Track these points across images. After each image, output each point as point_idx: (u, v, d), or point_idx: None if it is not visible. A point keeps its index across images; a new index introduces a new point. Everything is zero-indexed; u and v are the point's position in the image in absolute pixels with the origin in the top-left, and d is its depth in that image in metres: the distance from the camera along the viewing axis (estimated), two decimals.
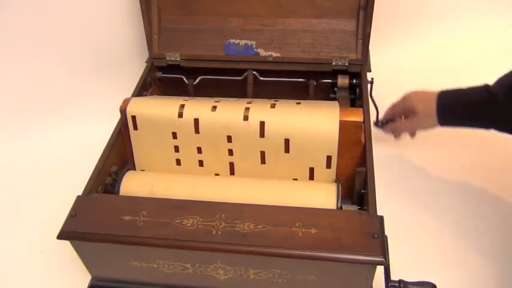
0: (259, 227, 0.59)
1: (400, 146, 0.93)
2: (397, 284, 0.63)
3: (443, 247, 0.78)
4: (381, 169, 0.75)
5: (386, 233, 0.59)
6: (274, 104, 0.74)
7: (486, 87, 0.73)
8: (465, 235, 0.79)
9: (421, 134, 0.87)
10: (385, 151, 0.92)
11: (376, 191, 0.64)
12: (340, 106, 0.73)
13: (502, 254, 0.76)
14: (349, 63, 0.87)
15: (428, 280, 0.63)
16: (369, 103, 0.80)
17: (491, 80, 0.74)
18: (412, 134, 0.87)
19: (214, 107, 0.73)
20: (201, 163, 0.77)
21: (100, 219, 0.62)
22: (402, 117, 0.86)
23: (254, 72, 0.90)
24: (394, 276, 0.72)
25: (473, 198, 0.85)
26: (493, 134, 0.74)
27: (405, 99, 0.83)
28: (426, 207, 0.84)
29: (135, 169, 0.80)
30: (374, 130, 0.83)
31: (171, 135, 0.75)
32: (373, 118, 0.87)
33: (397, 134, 0.88)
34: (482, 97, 0.73)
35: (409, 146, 0.92)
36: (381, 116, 0.90)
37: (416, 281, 0.63)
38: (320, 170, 0.74)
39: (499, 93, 0.71)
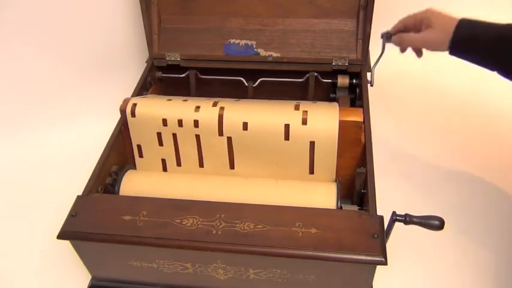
0: (259, 227, 0.59)
1: (400, 146, 0.93)
2: (403, 218, 0.60)
3: (443, 247, 0.78)
4: (381, 169, 0.75)
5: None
6: (274, 105, 0.74)
7: (509, 25, 0.69)
8: (466, 235, 0.79)
9: (421, 135, 0.86)
10: (385, 151, 0.92)
11: (376, 191, 0.64)
12: (340, 106, 0.73)
13: (506, 252, 0.76)
14: (349, 63, 0.87)
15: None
16: (369, 103, 0.80)
17: (492, 79, 0.74)
18: (419, 52, 0.82)
19: (215, 108, 0.73)
20: (201, 164, 0.77)
21: (100, 219, 0.62)
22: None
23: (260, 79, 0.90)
24: (395, 277, 0.73)
25: (475, 198, 0.85)
26: (494, 135, 0.73)
27: (426, 11, 0.76)
28: (426, 207, 0.84)
29: (135, 169, 0.80)
30: (378, 134, 0.79)
31: (171, 135, 0.75)
32: (375, 121, 0.83)
33: (403, 46, 0.81)
34: (501, 34, 0.68)
35: (409, 145, 0.92)
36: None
37: (423, 215, 0.60)
38: (320, 170, 0.74)
39: None
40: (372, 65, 0.86)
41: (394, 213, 0.60)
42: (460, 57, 0.74)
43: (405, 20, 0.79)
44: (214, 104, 0.74)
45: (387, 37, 0.81)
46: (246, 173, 0.76)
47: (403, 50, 0.82)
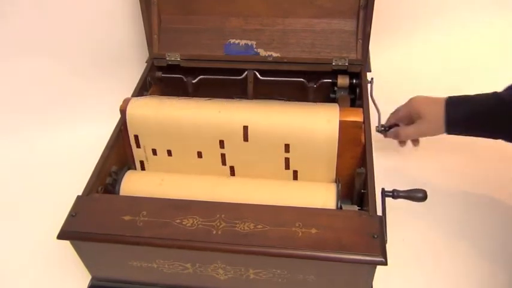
0: (259, 227, 0.59)
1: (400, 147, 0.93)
2: (391, 193, 0.67)
3: (443, 247, 0.78)
4: (381, 169, 0.75)
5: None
6: (274, 105, 0.74)
7: (497, 95, 0.70)
8: (466, 235, 0.79)
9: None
10: (385, 151, 0.92)
11: (376, 191, 0.64)
12: (340, 106, 0.73)
13: (502, 256, 0.76)
14: (349, 63, 0.87)
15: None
16: (369, 103, 0.80)
17: (491, 79, 0.74)
18: (416, 142, 0.85)
19: (215, 108, 0.73)
20: (200, 164, 0.77)
21: (100, 219, 0.62)
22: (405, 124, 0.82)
23: (255, 72, 0.90)
24: (395, 277, 0.73)
25: (474, 199, 0.85)
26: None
27: (411, 103, 0.80)
28: (426, 206, 0.84)
29: (135, 169, 0.80)
30: (376, 136, 0.80)
31: (171, 136, 0.75)
32: (374, 121, 0.84)
33: (401, 140, 0.84)
34: (494, 106, 0.70)
35: (409, 145, 0.92)
36: (383, 121, 0.87)
37: (408, 189, 0.68)
38: (320, 170, 0.74)
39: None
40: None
41: (382, 189, 0.67)
42: (459, 134, 0.76)
43: (396, 115, 0.83)
44: (214, 105, 0.74)
45: (384, 130, 0.86)
46: (245, 174, 0.76)
47: (401, 144, 0.86)
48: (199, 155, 0.76)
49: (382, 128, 0.86)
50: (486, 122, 0.72)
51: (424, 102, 0.77)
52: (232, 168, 0.77)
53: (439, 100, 0.75)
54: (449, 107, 0.74)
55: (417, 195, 0.67)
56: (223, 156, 0.75)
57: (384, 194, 0.66)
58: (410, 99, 0.80)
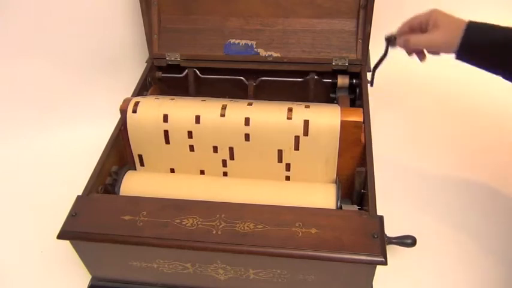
0: (259, 227, 0.59)
1: (400, 146, 0.93)
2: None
3: (443, 247, 0.78)
4: (381, 169, 0.75)
5: (386, 233, 0.60)
6: (275, 105, 0.74)
7: None
8: (466, 235, 0.79)
9: (421, 135, 0.86)
10: (385, 151, 0.92)
11: (376, 191, 0.64)
12: (340, 106, 0.73)
13: (504, 253, 0.76)
14: (349, 63, 0.87)
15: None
16: (369, 103, 0.80)
17: (492, 79, 0.74)
18: (422, 56, 0.78)
19: (215, 108, 0.73)
20: (200, 165, 0.77)
21: (100, 219, 0.62)
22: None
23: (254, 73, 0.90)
24: (395, 277, 0.73)
25: (474, 198, 0.85)
26: (495, 134, 0.73)
27: (432, 11, 0.73)
28: (426, 206, 0.84)
29: (135, 169, 0.80)
30: (378, 135, 0.79)
31: (171, 136, 0.75)
32: (375, 120, 0.81)
33: (409, 48, 0.77)
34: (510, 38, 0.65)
35: (409, 145, 0.92)
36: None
37: (399, 235, 0.70)
38: (320, 170, 0.74)
39: None
40: (372, 66, 0.86)
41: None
42: (466, 62, 0.71)
43: (410, 21, 0.76)
44: (215, 104, 0.74)
45: (392, 40, 0.78)
46: (246, 174, 0.76)
47: (409, 53, 0.79)
48: (200, 155, 0.76)
49: (392, 38, 0.78)
50: (497, 53, 0.67)
51: (446, 15, 0.72)
52: (232, 169, 0.76)
53: (461, 20, 0.70)
54: (471, 26, 0.69)
55: (406, 242, 0.71)
56: (223, 156, 0.75)
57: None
58: (432, 9, 0.74)
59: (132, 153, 0.79)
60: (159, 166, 0.78)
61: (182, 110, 0.74)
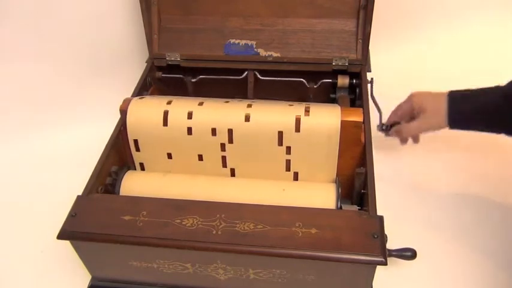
0: (259, 227, 0.59)
1: (400, 146, 0.93)
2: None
3: (443, 247, 0.78)
4: (381, 169, 0.75)
5: (386, 233, 0.60)
6: (275, 105, 0.74)
7: (501, 90, 0.69)
8: (466, 235, 0.79)
9: (421, 135, 0.86)
10: (385, 151, 0.92)
11: (376, 191, 0.64)
12: (340, 106, 0.73)
13: (503, 256, 0.76)
14: (349, 63, 0.87)
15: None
16: (369, 103, 0.80)
17: (492, 79, 0.74)
18: (416, 139, 0.84)
19: (215, 108, 0.73)
20: (200, 165, 0.77)
21: (100, 219, 0.62)
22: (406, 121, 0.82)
23: (255, 72, 0.90)
24: (395, 277, 0.73)
25: (476, 198, 0.85)
26: (495, 136, 0.73)
27: (412, 98, 0.79)
28: (426, 206, 0.84)
29: (135, 169, 0.80)
30: (377, 134, 0.80)
31: (171, 136, 0.75)
32: (375, 121, 0.84)
33: (403, 137, 0.84)
34: (497, 102, 0.69)
35: (409, 145, 0.92)
36: (384, 120, 0.86)
37: (399, 248, 0.68)
38: (320, 170, 0.74)
39: None
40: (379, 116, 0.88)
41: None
42: (461, 129, 0.75)
43: (396, 112, 0.83)
44: (215, 104, 0.74)
45: (385, 129, 0.85)
46: (246, 174, 0.76)
47: (403, 141, 0.85)
48: (200, 157, 0.76)
49: (384, 127, 0.86)
50: (489, 118, 0.71)
51: (426, 96, 0.77)
52: (232, 170, 0.76)
53: (441, 95, 0.75)
54: (452, 102, 0.73)
55: (406, 254, 0.69)
56: (223, 156, 0.75)
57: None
58: (411, 95, 0.80)
59: (131, 154, 0.79)
60: (157, 150, 0.77)
61: (182, 111, 0.73)
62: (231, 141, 0.73)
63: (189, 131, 0.73)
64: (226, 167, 0.76)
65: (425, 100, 0.77)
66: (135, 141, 0.76)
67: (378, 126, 0.86)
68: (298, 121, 0.70)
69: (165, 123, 0.73)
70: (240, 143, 0.73)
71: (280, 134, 0.71)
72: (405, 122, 0.82)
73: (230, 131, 0.72)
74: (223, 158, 0.75)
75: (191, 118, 0.73)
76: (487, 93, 0.71)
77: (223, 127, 0.72)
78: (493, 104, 0.70)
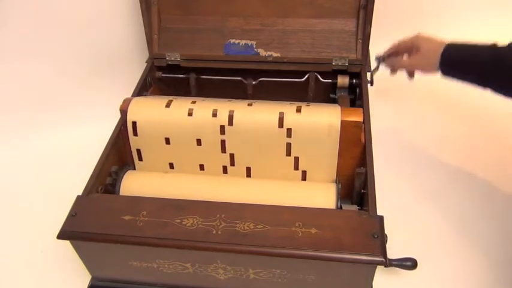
0: (259, 227, 0.59)
1: (400, 146, 0.93)
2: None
3: (443, 246, 0.78)
4: (381, 168, 0.75)
5: (386, 233, 0.60)
6: (275, 105, 0.74)
7: (495, 47, 0.72)
8: (466, 235, 0.79)
9: (421, 135, 0.86)
10: (385, 151, 0.92)
11: (376, 191, 0.64)
12: (340, 106, 0.73)
13: (503, 256, 0.76)
14: (349, 63, 0.87)
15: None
16: (369, 103, 0.80)
17: None
18: (411, 74, 0.86)
19: (215, 108, 0.73)
20: (200, 165, 0.77)
21: (100, 219, 0.62)
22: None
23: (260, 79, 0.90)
24: (395, 277, 0.73)
25: (476, 198, 0.85)
26: (496, 134, 0.73)
27: (415, 36, 0.82)
28: (426, 206, 0.84)
29: (134, 169, 0.80)
30: (378, 134, 0.81)
31: (171, 136, 0.75)
32: (375, 121, 0.84)
33: (394, 68, 0.87)
34: (486, 58, 0.71)
35: (409, 145, 0.92)
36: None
37: (400, 258, 0.67)
38: (321, 170, 0.74)
39: (510, 56, 0.69)
40: (371, 67, 0.89)
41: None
42: (452, 79, 0.77)
43: (397, 45, 0.85)
44: (215, 104, 0.74)
45: (381, 60, 0.88)
46: (246, 174, 0.76)
47: (393, 72, 0.88)
48: (200, 158, 0.76)
49: (381, 58, 0.89)
50: (479, 72, 0.73)
51: (427, 38, 0.80)
52: (232, 171, 0.76)
53: (440, 41, 0.78)
54: (447, 49, 0.76)
55: (406, 264, 0.68)
56: (223, 157, 0.75)
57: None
58: (416, 34, 0.82)
59: (131, 153, 0.79)
60: (155, 135, 0.75)
61: (182, 111, 0.73)
62: (230, 141, 0.73)
63: (188, 130, 0.73)
64: (225, 152, 0.75)
65: (424, 41, 0.80)
66: (133, 124, 0.75)
67: (376, 56, 0.89)
68: (298, 121, 0.70)
69: (165, 122, 0.73)
70: (240, 144, 0.73)
71: (281, 134, 0.71)
72: (401, 56, 0.85)
73: (230, 132, 0.72)
74: (223, 157, 0.75)
75: (191, 117, 0.73)
76: (480, 49, 0.73)
77: (223, 128, 0.72)
78: (483, 60, 0.72)
